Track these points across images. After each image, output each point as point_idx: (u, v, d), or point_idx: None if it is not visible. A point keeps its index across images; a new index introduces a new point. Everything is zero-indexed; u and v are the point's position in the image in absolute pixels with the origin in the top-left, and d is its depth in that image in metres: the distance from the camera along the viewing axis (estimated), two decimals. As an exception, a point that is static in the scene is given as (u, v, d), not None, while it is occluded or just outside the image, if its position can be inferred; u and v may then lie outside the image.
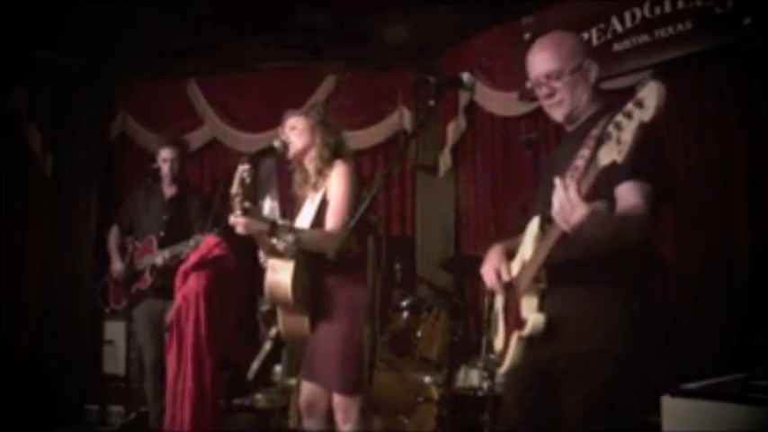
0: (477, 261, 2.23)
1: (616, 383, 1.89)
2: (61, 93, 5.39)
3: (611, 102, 2.11)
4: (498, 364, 2.13)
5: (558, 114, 2.10)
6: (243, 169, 2.71)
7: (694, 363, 3.47)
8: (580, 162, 1.91)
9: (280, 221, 2.85)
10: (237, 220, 2.70)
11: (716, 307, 3.62)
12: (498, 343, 2.15)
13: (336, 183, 2.89)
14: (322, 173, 2.95)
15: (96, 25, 4.78)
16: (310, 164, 3.00)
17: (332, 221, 2.83)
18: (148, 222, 4.17)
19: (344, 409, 2.87)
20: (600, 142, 1.88)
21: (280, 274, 2.79)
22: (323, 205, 2.90)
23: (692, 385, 2.02)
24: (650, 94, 1.44)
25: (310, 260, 2.84)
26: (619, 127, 1.52)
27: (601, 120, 1.97)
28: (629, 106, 1.49)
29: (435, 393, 3.72)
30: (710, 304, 3.64)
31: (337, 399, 2.88)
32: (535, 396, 2.01)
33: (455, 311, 3.94)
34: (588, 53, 2.13)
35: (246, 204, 2.70)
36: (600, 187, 1.69)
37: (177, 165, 4.27)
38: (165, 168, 4.24)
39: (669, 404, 1.97)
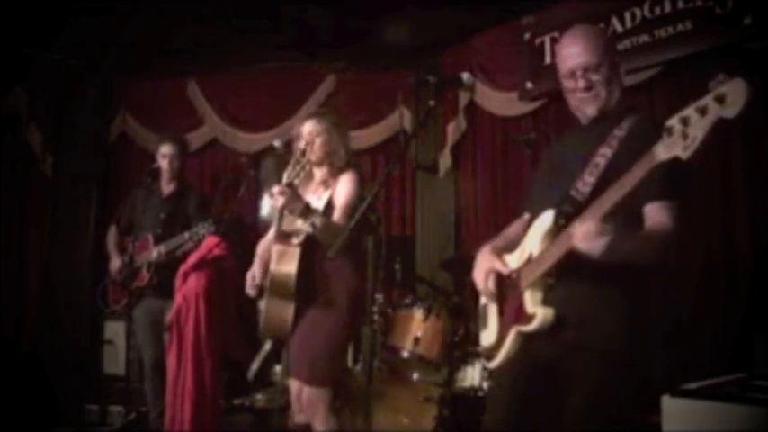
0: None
1: (617, 383, 1.88)
2: (61, 93, 5.40)
3: (628, 102, 2.10)
4: (488, 357, 2.10)
5: (590, 109, 2.04)
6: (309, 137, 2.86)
7: (694, 363, 3.47)
8: (601, 160, 1.90)
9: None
10: (284, 190, 2.67)
11: (716, 307, 3.62)
12: (489, 336, 2.12)
13: (345, 187, 2.88)
14: (327, 183, 2.95)
15: (96, 25, 4.78)
16: (319, 171, 2.98)
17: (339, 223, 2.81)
18: (146, 220, 4.14)
19: (310, 402, 2.80)
20: (623, 144, 1.87)
21: (286, 260, 2.79)
22: (329, 207, 2.88)
23: (692, 385, 2.01)
24: (736, 91, 1.37)
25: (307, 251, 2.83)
26: (686, 122, 1.44)
27: (623, 121, 1.96)
28: (706, 101, 1.41)
29: (435, 393, 3.72)
30: (710, 304, 3.64)
31: (305, 391, 2.82)
32: (531, 393, 1.98)
33: (455, 311, 3.94)
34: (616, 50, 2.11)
35: (302, 166, 2.73)
36: (652, 181, 1.63)
37: (177, 162, 4.20)
38: (165, 165, 4.17)
39: (669, 404, 1.97)
